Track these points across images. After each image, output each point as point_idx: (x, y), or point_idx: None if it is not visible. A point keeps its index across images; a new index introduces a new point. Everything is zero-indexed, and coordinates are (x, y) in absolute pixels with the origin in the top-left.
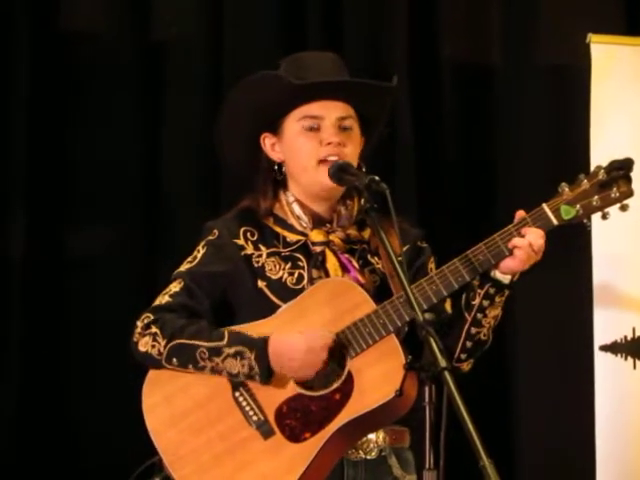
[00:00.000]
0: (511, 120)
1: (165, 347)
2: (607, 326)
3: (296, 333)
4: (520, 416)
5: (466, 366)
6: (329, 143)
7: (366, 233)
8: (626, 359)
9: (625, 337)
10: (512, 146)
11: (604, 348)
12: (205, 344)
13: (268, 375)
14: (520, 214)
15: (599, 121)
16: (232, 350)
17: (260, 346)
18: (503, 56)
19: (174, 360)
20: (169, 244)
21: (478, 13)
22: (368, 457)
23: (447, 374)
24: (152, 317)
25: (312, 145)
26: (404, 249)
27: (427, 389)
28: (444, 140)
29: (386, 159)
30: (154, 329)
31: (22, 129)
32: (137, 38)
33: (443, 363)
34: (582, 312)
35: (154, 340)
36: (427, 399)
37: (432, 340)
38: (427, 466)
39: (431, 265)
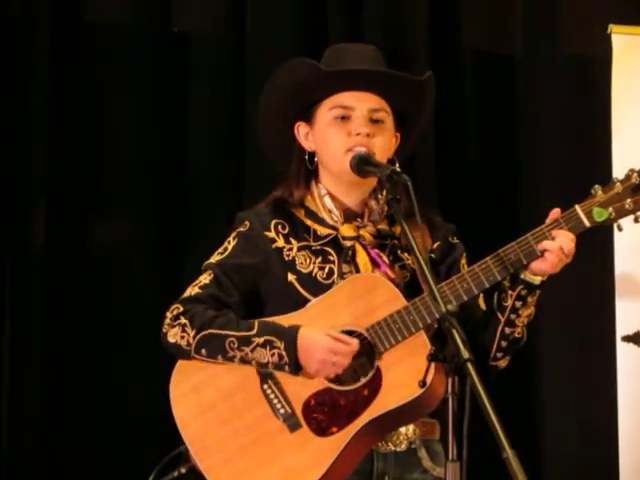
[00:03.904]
0: (532, 110)
1: (194, 338)
2: (629, 317)
3: (323, 333)
4: (543, 406)
5: (503, 363)
6: (358, 134)
7: (397, 228)
8: None
9: None
10: (532, 136)
11: (626, 339)
12: (234, 334)
13: (297, 365)
14: (555, 213)
15: (620, 111)
16: (262, 339)
17: (290, 336)
18: (524, 47)
19: (203, 351)
20: (193, 233)
21: (499, 3)
22: (397, 449)
23: (470, 365)
24: (181, 308)
25: (341, 135)
26: (435, 245)
27: (450, 380)
28: (465, 130)
29: None
30: (183, 320)
31: (44, 119)
32: (160, 30)
33: (466, 354)
34: (604, 303)
35: (183, 331)
36: (450, 390)
37: (454, 331)
38: (450, 457)
39: (463, 261)
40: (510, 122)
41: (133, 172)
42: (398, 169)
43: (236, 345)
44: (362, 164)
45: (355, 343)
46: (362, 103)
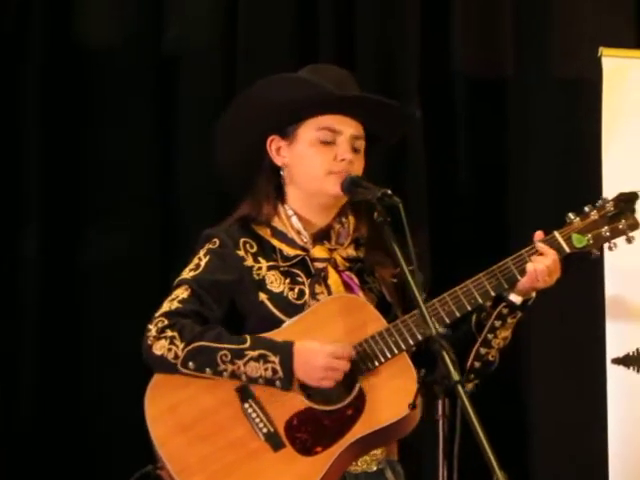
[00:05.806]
0: (522, 132)
1: (183, 350)
2: (619, 339)
3: (318, 342)
4: (533, 428)
5: (471, 386)
6: (342, 159)
7: (361, 252)
8: (638, 372)
9: (637, 350)
10: (523, 159)
11: (616, 361)
12: (227, 346)
13: (290, 381)
14: (538, 235)
15: (610, 133)
16: (255, 353)
17: (285, 350)
18: (515, 69)
19: (190, 364)
20: (184, 248)
21: (490, 26)
22: (368, 470)
23: (460, 387)
24: (167, 322)
25: (326, 157)
26: (397, 270)
27: (440, 403)
28: (455, 152)
29: (397, 170)
30: (171, 333)
31: (35, 137)
32: (150, 51)
33: (456, 376)
34: (594, 325)
35: (171, 343)
36: (440, 412)
37: (445, 353)
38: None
39: None
40: (501, 144)
41: (125, 185)
42: (389, 191)
43: (229, 358)
44: (354, 186)
45: (350, 346)
46: (347, 128)
